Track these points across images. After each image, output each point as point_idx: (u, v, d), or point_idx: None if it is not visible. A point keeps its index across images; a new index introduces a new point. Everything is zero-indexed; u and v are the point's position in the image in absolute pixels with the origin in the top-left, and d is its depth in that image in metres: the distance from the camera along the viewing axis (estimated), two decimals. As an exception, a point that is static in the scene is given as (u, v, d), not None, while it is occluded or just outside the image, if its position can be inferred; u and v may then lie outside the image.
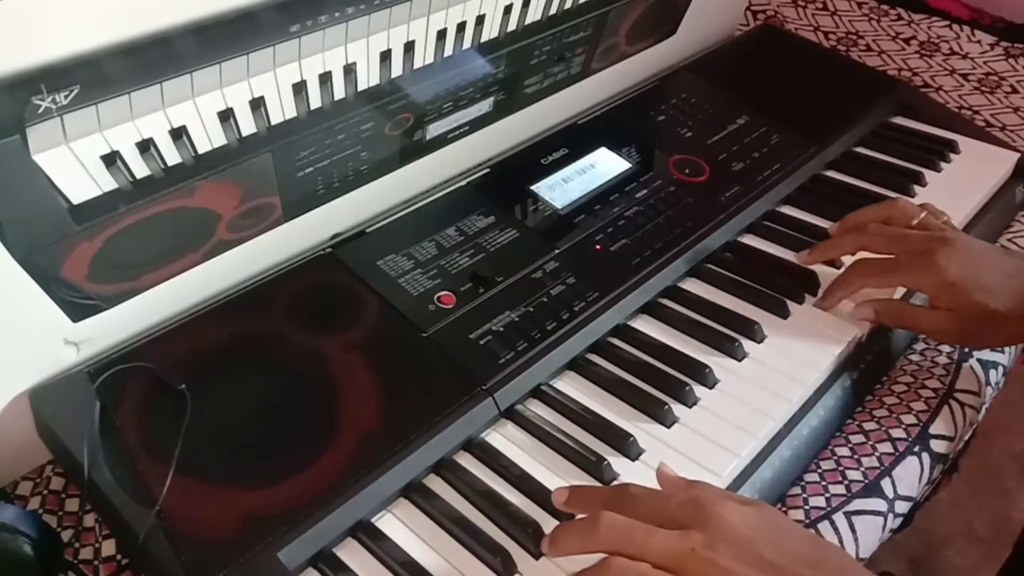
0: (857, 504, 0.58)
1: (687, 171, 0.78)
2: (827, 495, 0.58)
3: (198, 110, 0.48)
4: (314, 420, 0.54)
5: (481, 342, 0.60)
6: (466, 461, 0.55)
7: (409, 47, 0.56)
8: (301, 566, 0.49)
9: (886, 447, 0.61)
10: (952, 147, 0.86)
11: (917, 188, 0.80)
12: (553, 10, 0.66)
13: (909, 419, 0.63)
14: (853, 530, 0.56)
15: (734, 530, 0.42)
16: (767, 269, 0.70)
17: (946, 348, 0.69)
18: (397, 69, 0.57)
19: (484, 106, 0.70)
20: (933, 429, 0.63)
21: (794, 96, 0.89)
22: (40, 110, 0.42)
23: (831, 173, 0.83)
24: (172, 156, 0.49)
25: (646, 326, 0.65)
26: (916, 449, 0.61)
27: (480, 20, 0.60)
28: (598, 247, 0.69)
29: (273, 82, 0.50)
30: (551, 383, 0.60)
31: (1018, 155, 0.85)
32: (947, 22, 1.08)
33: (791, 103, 0.87)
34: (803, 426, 0.60)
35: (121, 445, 0.52)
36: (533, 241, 0.68)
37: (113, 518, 0.51)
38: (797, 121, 0.85)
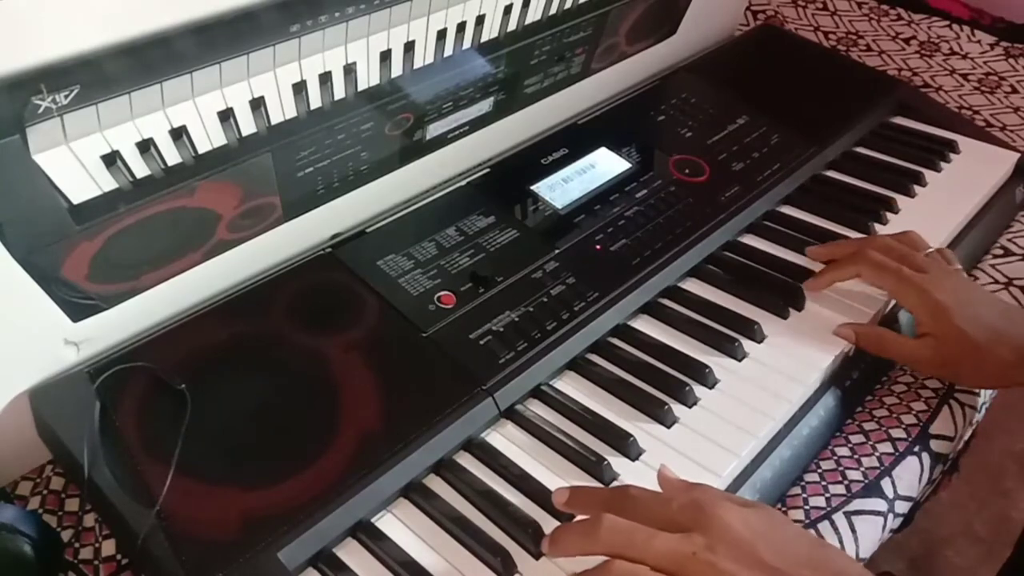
0: (857, 504, 0.58)
1: (687, 171, 0.78)
2: (827, 495, 0.58)
3: (198, 110, 0.48)
4: (314, 420, 0.54)
5: (481, 342, 0.60)
6: (466, 461, 0.55)
7: (409, 47, 0.56)
8: (301, 566, 0.49)
9: (886, 447, 0.61)
10: (952, 147, 0.86)
11: (917, 188, 0.80)
12: (553, 10, 0.66)
13: (909, 419, 0.63)
14: (853, 530, 0.56)
15: (734, 533, 0.42)
16: (767, 269, 0.70)
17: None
18: (397, 69, 0.57)
19: (484, 106, 0.70)
20: (933, 429, 0.63)
21: (794, 96, 0.89)
22: (40, 110, 0.42)
23: (831, 173, 0.83)
24: (172, 156, 0.49)
25: (646, 326, 0.65)
26: (916, 449, 0.61)
27: (480, 20, 0.60)
28: (598, 247, 0.69)
29: (273, 82, 0.50)
30: (551, 383, 0.60)
31: (1018, 155, 0.85)
32: (947, 22, 1.08)
33: (791, 103, 0.87)
34: (803, 426, 0.60)
35: (121, 445, 0.52)
36: (533, 241, 0.68)
37: (113, 518, 0.51)
38: (797, 121, 0.85)
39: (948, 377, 0.65)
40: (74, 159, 0.45)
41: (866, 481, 0.59)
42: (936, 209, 0.78)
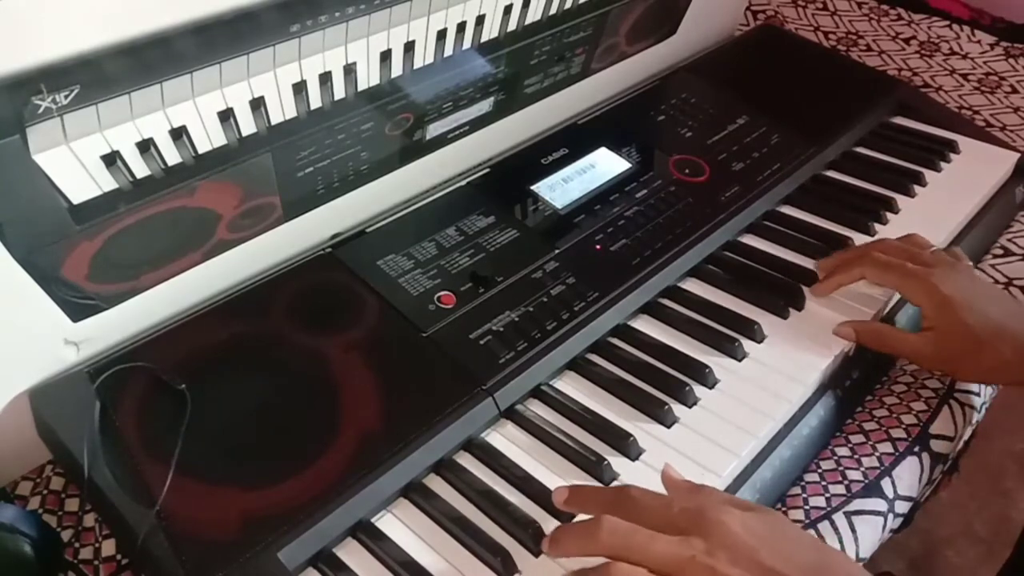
0: (857, 504, 0.58)
1: (687, 171, 0.78)
2: (827, 495, 0.58)
3: (198, 110, 0.48)
4: (314, 420, 0.54)
5: (481, 342, 0.60)
6: (466, 461, 0.55)
7: (409, 47, 0.56)
8: (301, 566, 0.49)
9: (886, 447, 0.61)
10: (952, 147, 0.86)
11: (917, 188, 0.80)
12: (553, 10, 0.66)
13: (909, 419, 0.63)
14: (853, 530, 0.56)
15: (735, 537, 0.42)
16: (767, 269, 0.70)
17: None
18: (397, 69, 0.57)
19: (484, 106, 0.70)
20: (933, 429, 0.63)
21: (794, 96, 0.89)
22: (40, 110, 0.42)
23: (831, 173, 0.83)
24: (172, 156, 0.49)
25: (646, 326, 0.65)
26: (916, 449, 0.61)
27: (480, 20, 0.60)
28: (598, 247, 0.69)
29: (273, 82, 0.50)
30: (551, 383, 0.60)
31: (1018, 155, 0.85)
32: (947, 22, 1.08)
33: (791, 103, 0.87)
34: (803, 426, 0.60)
35: (121, 445, 0.52)
36: (533, 241, 0.68)
37: (113, 518, 0.51)
38: (797, 121, 0.85)
39: (948, 372, 0.65)
40: (74, 159, 0.45)
41: (866, 481, 0.59)
42: (936, 209, 0.78)
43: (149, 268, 0.56)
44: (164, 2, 0.44)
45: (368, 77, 0.56)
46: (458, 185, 0.73)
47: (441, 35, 0.58)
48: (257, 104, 0.51)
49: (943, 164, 0.84)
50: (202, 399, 0.54)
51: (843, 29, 1.08)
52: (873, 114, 0.89)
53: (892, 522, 0.59)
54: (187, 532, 0.48)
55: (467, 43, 0.61)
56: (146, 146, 0.47)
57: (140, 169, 0.48)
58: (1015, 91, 0.98)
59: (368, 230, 0.67)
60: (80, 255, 0.51)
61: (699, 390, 0.59)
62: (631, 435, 0.56)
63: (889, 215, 0.77)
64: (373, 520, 0.51)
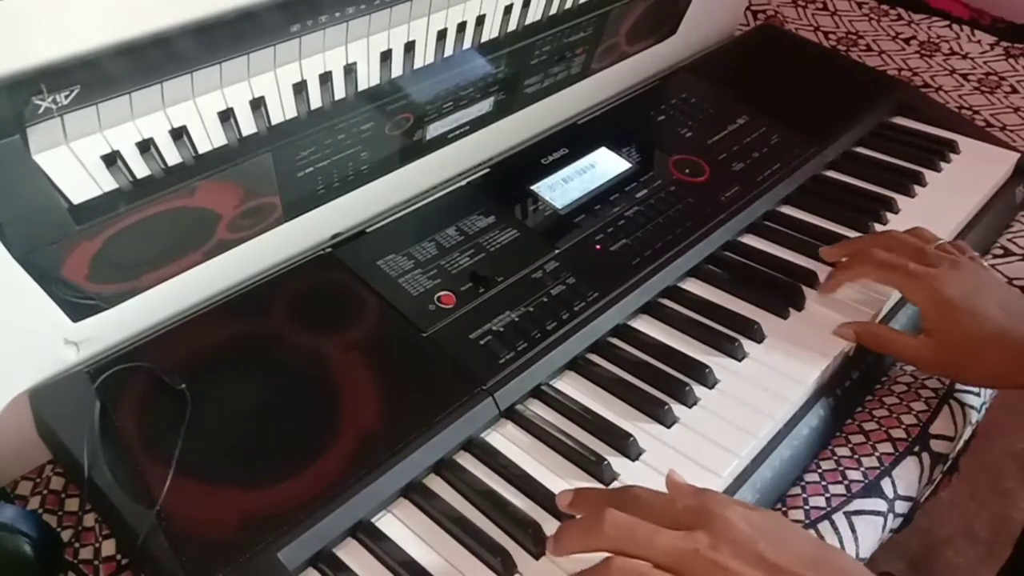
0: (857, 504, 0.58)
1: (687, 171, 0.78)
2: (827, 495, 0.58)
3: (198, 110, 0.48)
4: (314, 420, 0.54)
5: (481, 342, 0.60)
6: (466, 461, 0.55)
7: (409, 47, 0.56)
8: (301, 566, 0.49)
9: (886, 447, 0.61)
10: (952, 147, 0.86)
11: (917, 188, 0.80)
12: (553, 10, 0.66)
13: (909, 419, 0.63)
14: (853, 530, 0.56)
15: (738, 531, 0.42)
16: (767, 269, 0.70)
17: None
18: (397, 69, 0.57)
19: (484, 106, 0.70)
20: (933, 429, 0.63)
21: (794, 96, 0.89)
22: (40, 110, 0.42)
23: (831, 173, 0.83)
24: (172, 156, 0.49)
25: (646, 326, 0.65)
26: (916, 449, 0.61)
27: (480, 20, 0.60)
28: (598, 247, 0.69)
29: (273, 82, 0.50)
30: (551, 383, 0.60)
31: (1018, 155, 0.85)
32: (947, 22, 1.08)
33: (791, 103, 0.87)
34: (803, 426, 0.60)
35: (121, 445, 0.52)
36: (533, 241, 0.68)
37: (113, 518, 0.51)
38: (797, 121, 0.85)
39: (949, 376, 0.65)
40: (74, 159, 0.45)
41: (866, 481, 0.59)
42: (936, 209, 0.78)
43: (149, 268, 0.56)
44: (164, 2, 0.44)
45: (368, 77, 0.56)
46: (458, 185, 0.73)
47: (441, 35, 0.58)
48: (257, 104, 0.51)
49: (943, 164, 0.84)
50: (202, 399, 0.54)
51: (843, 29, 1.08)
52: (873, 114, 0.89)
53: (892, 522, 0.59)
54: (187, 532, 0.48)
55: (467, 43, 0.61)
56: (146, 146, 0.47)
57: (140, 169, 0.48)
58: (1015, 91, 0.98)
59: (368, 230, 0.67)
60: (80, 255, 0.51)
61: (699, 390, 0.59)
62: (631, 435, 0.56)
63: (889, 215, 0.77)
64: (373, 520, 0.51)
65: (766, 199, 0.76)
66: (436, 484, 0.54)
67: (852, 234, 0.74)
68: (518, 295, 0.63)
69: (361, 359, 0.58)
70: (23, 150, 0.42)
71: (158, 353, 0.57)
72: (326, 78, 0.53)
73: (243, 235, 0.60)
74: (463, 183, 0.73)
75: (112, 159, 0.46)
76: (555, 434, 0.56)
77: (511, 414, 0.58)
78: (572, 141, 0.79)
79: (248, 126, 0.51)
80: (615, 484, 0.54)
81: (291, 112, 0.53)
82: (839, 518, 0.57)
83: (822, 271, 0.69)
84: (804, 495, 0.58)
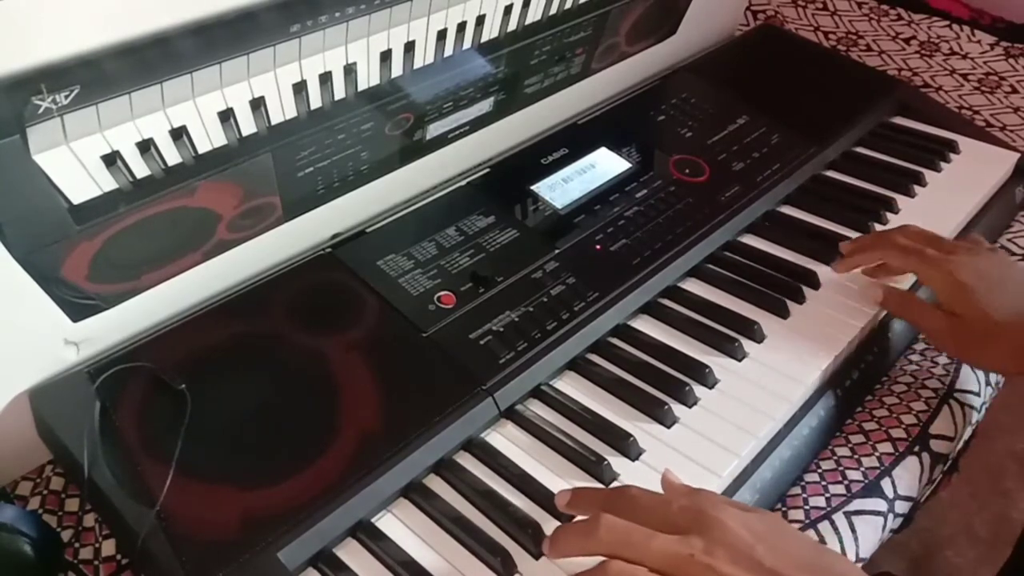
0: (857, 504, 0.58)
1: (687, 171, 0.78)
2: (827, 495, 0.58)
3: (198, 110, 0.48)
4: (314, 420, 0.54)
5: (481, 342, 0.60)
6: (466, 461, 0.55)
7: (409, 47, 0.56)
8: (301, 566, 0.49)
9: (886, 447, 0.61)
10: (952, 147, 0.86)
11: (917, 188, 0.80)
12: (553, 10, 0.66)
13: (909, 419, 0.63)
14: (853, 530, 0.56)
15: (734, 535, 0.42)
16: (767, 269, 0.70)
17: (946, 348, 0.69)
18: (397, 69, 0.57)
19: (484, 106, 0.70)
20: (933, 429, 0.63)
21: (794, 96, 0.89)
22: (40, 110, 0.42)
23: (831, 173, 0.83)
24: (172, 156, 0.49)
25: (646, 326, 0.65)
26: (916, 449, 0.61)
27: (480, 20, 0.60)
28: (598, 247, 0.69)
29: (273, 82, 0.50)
30: (551, 383, 0.60)
31: (1018, 155, 0.85)
32: (947, 22, 1.08)
33: (791, 103, 0.87)
34: (803, 426, 0.60)
35: (121, 445, 0.52)
36: (533, 241, 0.68)
37: (113, 518, 0.51)
38: (797, 121, 0.85)
39: (963, 357, 0.65)
40: (74, 159, 0.45)
41: (866, 481, 0.59)
42: (936, 209, 0.78)
43: (149, 268, 0.56)
44: (164, 2, 0.44)
45: (368, 77, 0.56)
46: (458, 185, 0.73)
47: (441, 35, 0.58)
48: (257, 104, 0.51)
49: (943, 164, 0.84)
50: (202, 399, 0.54)
51: (843, 29, 1.08)
52: (873, 114, 0.89)
53: (892, 522, 0.59)
54: (187, 532, 0.48)
55: (467, 43, 0.61)
56: (146, 146, 0.47)
57: (140, 169, 0.48)
58: (1015, 91, 0.98)
59: (368, 230, 0.67)
60: (80, 255, 0.51)
61: (699, 390, 0.59)
62: (631, 435, 0.56)
63: (889, 215, 0.77)
64: (373, 520, 0.51)
65: (766, 199, 0.76)
66: (436, 484, 0.54)
67: (852, 234, 0.74)
68: (518, 295, 0.63)
69: (361, 359, 0.58)
70: (23, 150, 0.42)
71: (158, 353, 0.57)
72: (326, 78, 0.53)
73: (243, 235, 0.60)
74: (463, 183, 0.73)
75: (112, 159, 0.46)
76: (555, 434, 0.56)
77: (511, 414, 0.58)
78: (572, 141, 0.79)
79: (248, 126, 0.51)
80: (615, 484, 0.54)
81: (291, 112, 0.53)
82: (839, 518, 0.57)
83: (822, 271, 0.70)
84: (804, 495, 0.58)
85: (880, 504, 0.58)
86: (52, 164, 0.44)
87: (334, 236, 0.67)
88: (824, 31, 1.08)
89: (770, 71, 0.95)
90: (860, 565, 0.56)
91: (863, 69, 0.98)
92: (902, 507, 0.59)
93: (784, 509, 0.57)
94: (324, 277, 0.64)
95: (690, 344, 0.63)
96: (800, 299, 0.67)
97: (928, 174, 0.82)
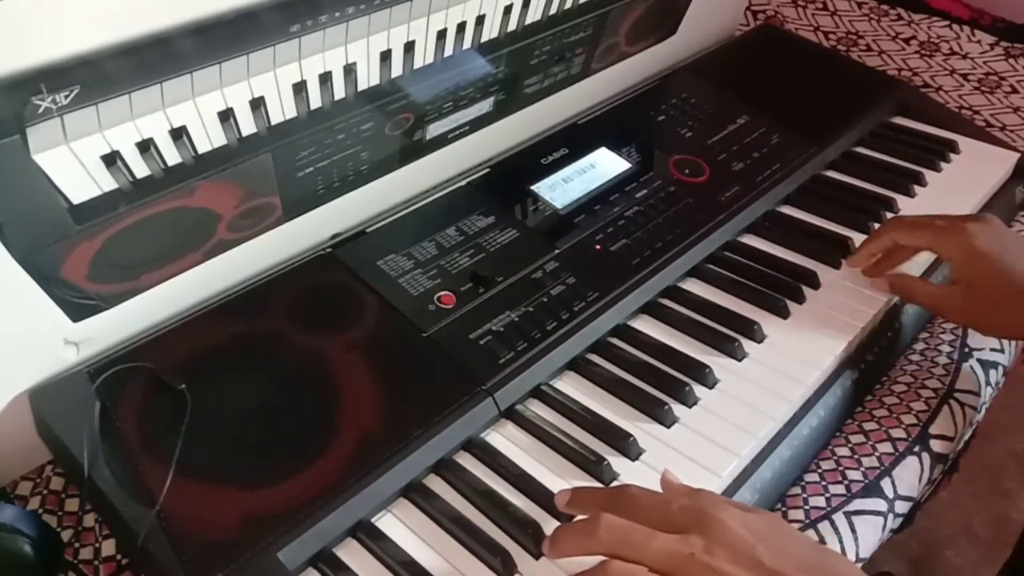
0: (857, 504, 0.58)
1: (687, 171, 0.78)
2: (827, 495, 0.58)
3: (198, 110, 0.48)
4: (314, 420, 0.54)
5: (481, 342, 0.60)
6: (466, 461, 0.55)
7: (409, 47, 0.56)
8: (301, 566, 0.49)
9: (886, 447, 0.61)
10: (952, 147, 0.86)
11: (917, 188, 0.80)
12: (553, 10, 0.66)
13: (909, 419, 0.63)
14: (853, 530, 0.56)
15: (734, 535, 0.42)
16: (767, 269, 0.70)
17: (946, 348, 0.69)
18: (397, 69, 0.57)
19: (484, 106, 0.70)
20: (933, 429, 0.63)
21: (794, 96, 0.89)
22: (40, 110, 0.42)
23: (831, 173, 0.83)
24: (172, 156, 0.49)
25: (646, 326, 0.65)
26: (916, 449, 0.61)
27: (480, 20, 0.60)
28: (598, 247, 0.69)
29: (273, 82, 0.50)
30: (551, 383, 0.60)
31: (1018, 155, 0.85)
32: (947, 22, 1.08)
33: (791, 103, 0.87)
34: (803, 426, 0.60)
35: (121, 445, 0.52)
36: (533, 241, 0.68)
37: (113, 518, 0.51)
38: (797, 121, 0.85)
39: (976, 326, 0.66)
40: (74, 159, 0.45)
41: (866, 481, 0.59)
42: (936, 209, 0.76)
43: (149, 268, 0.56)
44: (164, 2, 0.44)
45: (368, 77, 0.56)
46: (458, 185, 0.73)
47: (441, 35, 0.58)
48: (257, 104, 0.51)
49: (943, 164, 0.84)
50: (202, 399, 0.54)
51: (843, 29, 1.08)
52: (873, 114, 0.89)
53: (892, 522, 0.59)
54: (187, 532, 0.48)
55: (467, 43, 0.61)
56: (146, 146, 0.47)
57: (140, 169, 0.48)
58: (1015, 91, 0.98)
59: (368, 230, 0.67)
60: (80, 255, 0.51)
61: (699, 390, 0.59)
62: (631, 435, 0.56)
63: (889, 215, 0.77)
64: (373, 520, 0.51)
65: (766, 199, 0.76)
66: (436, 484, 0.54)
67: (852, 234, 0.74)
68: (518, 295, 0.63)
69: (361, 359, 0.58)
70: (23, 150, 0.42)
71: (158, 353, 0.57)
72: (326, 78, 0.53)
73: (243, 235, 0.60)
74: (463, 183, 0.73)
75: (112, 159, 0.46)
76: (555, 434, 0.56)
77: (511, 414, 0.58)
78: (572, 141, 0.79)
79: (248, 126, 0.51)
80: (615, 484, 0.54)
81: (291, 112, 0.53)
82: (839, 518, 0.57)
83: (822, 271, 0.70)
84: (804, 495, 0.58)
85: (880, 504, 0.58)
86: (52, 164, 0.44)
87: (334, 236, 0.67)
88: (824, 31, 1.08)
89: (770, 71, 0.95)
90: (860, 565, 0.56)
91: (863, 69, 0.98)
92: (902, 507, 0.59)
93: (784, 509, 0.57)
94: (324, 277, 0.64)
95: (690, 344, 0.63)
96: (800, 299, 0.67)
97: (928, 174, 0.82)
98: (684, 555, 0.41)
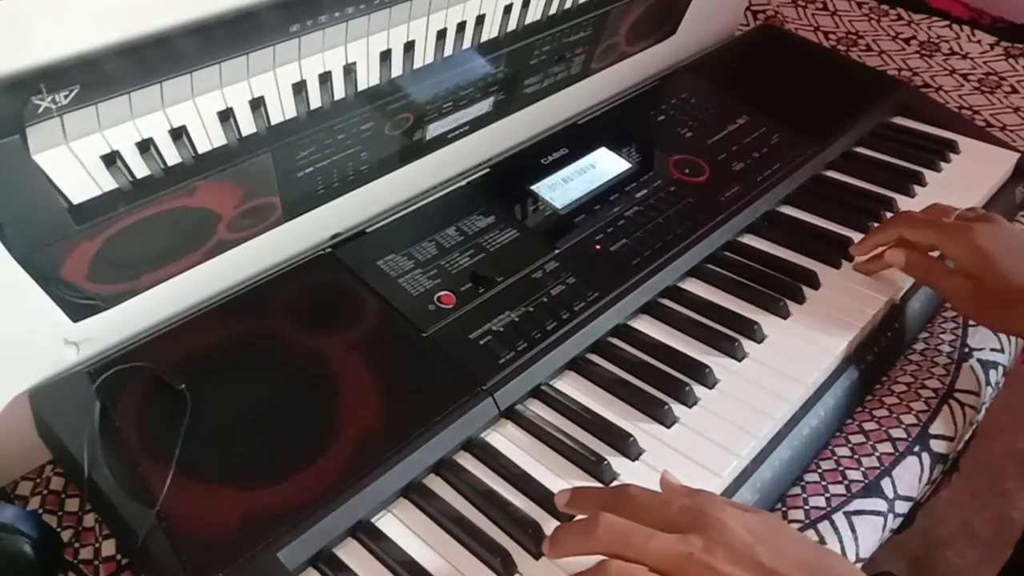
0: (857, 504, 0.58)
1: (687, 171, 0.78)
2: (827, 495, 0.58)
3: (198, 110, 0.48)
4: (314, 420, 0.54)
5: (481, 342, 0.60)
6: (466, 461, 0.55)
7: (409, 47, 0.56)
8: (301, 566, 0.49)
9: (886, 447, 0.61)
10: (952, 147, 0.86)
11: (917, 188, 0.80)
12: (553, 10, 0.66)
13: (909, 419, 0.63)
14: (853, 530, 0.56)
15: (733, 535, 0.42)
16: (767, 269, 0.70)
17: (946, 348, 0.69)
18: (397, 69, 0.57)
19: (484, 106, 0.70)
20: (933, 429, 0.63)
21: (794, 96, 0.89)
22: (40, 110, 0.42)
23: (831, 173, 0.83)
24: (172, 156, 0.49)
25: (646, 326, 0.65)
26: (916, 449, 0.61)
27: (480, 20, 0.60)
28: (598, 247, 0.69)
29: (273, 82, 0.50)
30: (551, 383, 0.60)
31: (1018, 155, 0.85)
32: (947, 22, 1.08)
33: (791, 103, 0.87)
34: (803, 426, 0.60)
35: (121, 445, 0.52)
36: (533, 241, 0.68)
37: (113, 518, 0.51)
38: (797, 121, 0.85)
39: (983, 320, 0.66)
40: (74, 159, 0.45)
41: (866, 481, 0.59)
42: (936, 209, 0.78)
43: (149, 268, 0.56)
44: (164, 2, 0.44)
45: (368, 77, 0.56)
46: (458, 185, 0.73)
47: (441, 35, 0.58)
48: (257, 104, 0.51)
49: (943, 164, 0.84)
50: (202, 399, 0.54)
51: (843, 29, 1.09)
52: (873, 114, 0.89)
53: (892, 522, 0.59)
54: (187, 532, 0.48)
55: (467, 43, 0.61)
56: (146, 146, 0.47)
57: (140, 169, 0.48)
58: (1015, 91, 0.98)
59: (368, 230, 0.67)
60: (80, 255, 0.51)
61: (699, 390, 0.59)
62: (631, 435, 0.56)
63: (889, 215, 0.77)
64: (373, 520, 0.51)
65: (766, 199, 0.76)
66: (436, 484, 0.54)
67: (852, 234, 0.74)
68: (518, 295, 0.63)
69: (361, 359, 0.58)
70: (23, 150, 0.42)
71: (158, 353, 0.57)
72: (326, 78, 0.53)
73: (243, 235, 0.60)
74: (463, 183, 0.73)
75: (112, 159, 0.46)
76: (555, 434, 0.56)
77: (511, 414, 0.58)
78: (572, 141, 0.79)
79: (248, 126, 0.51)
80: (615, 484, 0.54)
81: (291, 112, 0.53)
82: (839, 518, 0.57)
83: (822, 271, 0.70)
84: (804, 495, 0.58)
85: (880, 504, 0.58)
86: (52, 164, 0.44)
87: (334, 236, 0.67)
88: (824, 31, 1.08)
89: (770, 71, 0.95)
90: (860, 565, 0.56)
91: (863, 69, 0.98)
92: (902, 507, 0.59)
93: (784, 509, 0.57)
94: (324, 277, 0.64)
95: (690, 344, 0.63)
96: (800, 299, 0.67)
97: (928, 174, 0.82)
98: (683, 555, 0.41)
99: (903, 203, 0.78)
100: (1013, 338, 0.72)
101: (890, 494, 0.59)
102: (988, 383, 0.68)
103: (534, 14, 0.65)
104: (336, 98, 0.55)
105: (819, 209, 0.77)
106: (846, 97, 0.90)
